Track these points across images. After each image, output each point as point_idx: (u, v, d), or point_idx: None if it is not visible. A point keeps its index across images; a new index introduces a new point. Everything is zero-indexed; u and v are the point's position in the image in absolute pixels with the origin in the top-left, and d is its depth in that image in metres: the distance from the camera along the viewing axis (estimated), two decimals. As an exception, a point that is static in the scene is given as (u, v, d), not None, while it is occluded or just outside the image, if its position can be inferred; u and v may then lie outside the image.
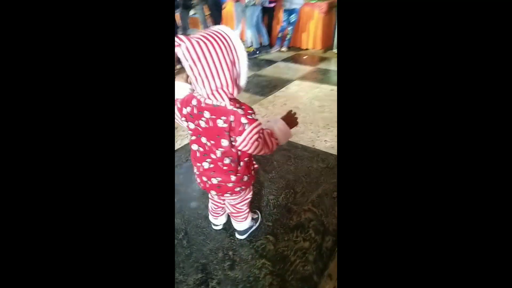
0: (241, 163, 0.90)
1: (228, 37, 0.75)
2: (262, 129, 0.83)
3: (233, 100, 0.79)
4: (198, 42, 0.71)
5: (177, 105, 0.87)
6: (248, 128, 0.78)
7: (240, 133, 0.78)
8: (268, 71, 3.44)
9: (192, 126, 0.87)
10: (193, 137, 0.90)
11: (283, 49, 4.15)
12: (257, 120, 0.80)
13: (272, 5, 3.84)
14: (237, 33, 0.78)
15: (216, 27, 0.77)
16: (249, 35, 3.94)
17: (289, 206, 1.39)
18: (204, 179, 0.95)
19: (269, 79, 3.17)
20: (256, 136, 0.79)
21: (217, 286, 1.08)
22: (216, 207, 1.21)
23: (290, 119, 0.93)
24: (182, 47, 0.71)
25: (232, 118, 0.78)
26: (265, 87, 2.92)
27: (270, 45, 4.16)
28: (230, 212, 1.16)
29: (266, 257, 1.17)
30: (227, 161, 0.87)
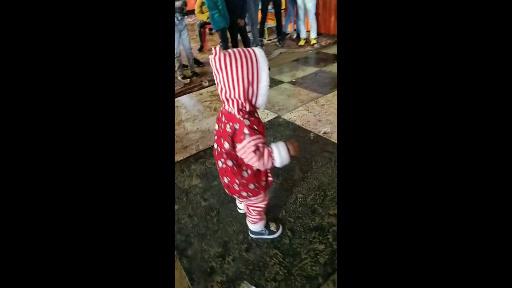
0: (248, 171, 0.96)
1: (256, 59, 0.85)
2: (264, 145, 0.88)
3: (243, 111, 0.87)
4: (225, 55, 0.83)
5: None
6: (248, 139, 0.85)
7: (241, 141, 0.86)
8: (334, 67, 3.19)
9: (216, 127, 0.99)
10: (215, 137, 0.99)
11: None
12: (259, 134, 0.87)
13: None
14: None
15: (252, 48, 0.88)
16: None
17: (314, 207, 1.41)
18: (220, 176, 1.06)
19: (333, 76, 2.96)
20: (253, 148, 0.85)
21: (231, 262, 1.17)
22: None
23: (292, 146, 0.93)
24: (211, 57, 0.84)
25: (237, 126, 0.87)
26: (326, 84, 2.78)
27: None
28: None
29: (279, 249, 1.21)
30: (230, 163, 0.95)
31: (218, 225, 1.35)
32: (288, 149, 0.91)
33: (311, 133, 2.01)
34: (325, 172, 1.63)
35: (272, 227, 1.27)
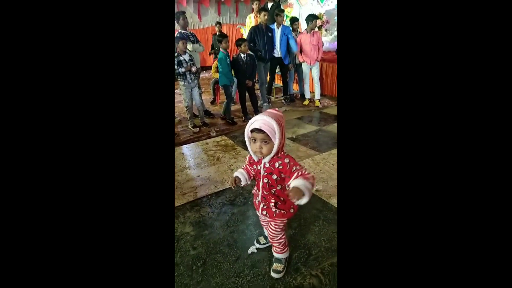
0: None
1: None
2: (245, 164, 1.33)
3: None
4: None
5: None
6: None
7: None
8: (334, 127, 3.45)
9: None
10: None
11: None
12: (248, 162, 1.31)
13: None
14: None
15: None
16: None
17: (298, 266, 1.42)
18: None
19: (331, 135, 3.19)
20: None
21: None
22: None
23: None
24: None
25: None
26: (324, 143, 2.96)
27: None
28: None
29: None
30: None
31: (202, 276, 1.38)
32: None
33: (304, 190, 2.10)
34: (312, 230, 1.68)
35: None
